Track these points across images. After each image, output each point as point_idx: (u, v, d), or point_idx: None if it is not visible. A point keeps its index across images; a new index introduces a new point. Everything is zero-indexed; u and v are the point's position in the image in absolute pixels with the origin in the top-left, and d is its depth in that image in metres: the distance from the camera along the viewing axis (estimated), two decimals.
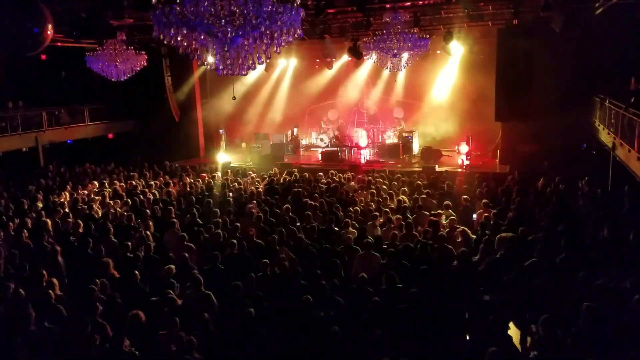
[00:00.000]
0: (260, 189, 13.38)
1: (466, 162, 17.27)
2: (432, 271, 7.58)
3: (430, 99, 20.64)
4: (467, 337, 6.71)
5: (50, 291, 6.94)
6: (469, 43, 17.40)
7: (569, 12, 13.88)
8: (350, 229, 9.66)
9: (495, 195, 11.85)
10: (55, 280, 7.38)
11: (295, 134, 21.16)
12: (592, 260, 7.54)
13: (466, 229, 9.37)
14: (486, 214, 10.13)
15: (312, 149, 20.97)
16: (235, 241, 8.72)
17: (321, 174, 14.96)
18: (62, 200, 12.62)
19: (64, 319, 6.49)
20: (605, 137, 13.84)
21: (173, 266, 7.83)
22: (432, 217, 10.20)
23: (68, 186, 14.12)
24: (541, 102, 16.26)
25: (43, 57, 18.82)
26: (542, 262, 7.64)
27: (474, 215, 10.91)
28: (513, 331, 6.60)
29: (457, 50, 17.91)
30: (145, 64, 14.52)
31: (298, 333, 6.30)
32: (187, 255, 8.28)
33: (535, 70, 16.07)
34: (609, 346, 5.58)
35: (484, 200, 10.91)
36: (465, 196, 11.46)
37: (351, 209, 10.92)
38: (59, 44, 16.25)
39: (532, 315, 6.16)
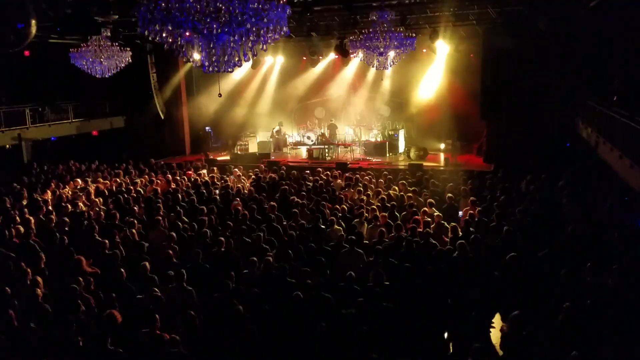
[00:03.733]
0: (246, 187, 13.35)
1: (452, 160, 17.38)
2: (417, 268, 7.63)
3: (417, 98, 20.73)
4: (452, 333, 6.76)
5: (38, 289, 6.86)
6: (454, 42, 17.53)
7: (554, 11, 14.03)
8: (337, 226, 9.69)
9: (480, 193, 11.94)
10: (39, 279, 7.29)
11: (279, 130, 21.13)
12: (575, 258, 7.63)
13: (452, 225, 9.43)
14: (471, 211, 10.22)
15: (299, 147, 20.98)
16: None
17: (308, 171, 14.96)
18: (45, 197, 12.46)
19: (49, 318, 6.42)
20: (588, 135, 14.01)
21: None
22: (417, 214, 10.26)
23: (52, 184, 13.94)
24: (526, 101, 16.44)
25: (26, 53, 18.56)
26: (525, 259, 7.72)
27: (460, 213, 11.00)
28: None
29: (442, 49, 18.06)
30: (130, 60, 14.38)
31: (287, 330, 6.30)
32: (171, 252, 8.23)
33: (520, 69, 16.23)
34: (588, 344, 5.62)
35: (471, 198, 11.01)
36: (449, 194, 11.54)
37: (338, 206, 10.95)
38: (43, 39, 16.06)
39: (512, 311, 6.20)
